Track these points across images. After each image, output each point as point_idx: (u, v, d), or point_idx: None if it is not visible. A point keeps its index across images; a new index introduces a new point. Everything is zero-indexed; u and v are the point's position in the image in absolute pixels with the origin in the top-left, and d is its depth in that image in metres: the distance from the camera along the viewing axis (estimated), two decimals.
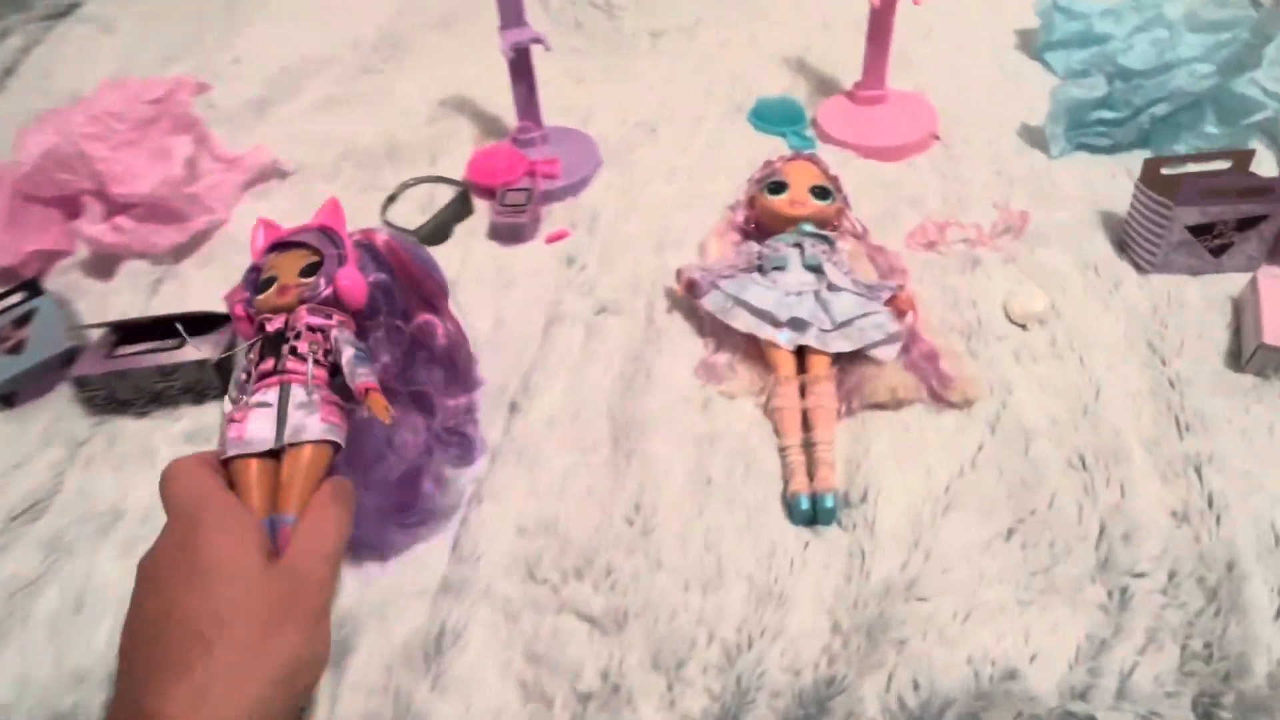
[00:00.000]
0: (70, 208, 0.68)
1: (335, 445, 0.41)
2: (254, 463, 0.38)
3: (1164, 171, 0.59)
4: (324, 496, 0.38)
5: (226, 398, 0.42)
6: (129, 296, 0.65)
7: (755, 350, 0.55)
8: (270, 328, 0.43)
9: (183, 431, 0.56)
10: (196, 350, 0.56)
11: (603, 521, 0.47)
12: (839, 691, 0.40)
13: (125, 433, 0.56)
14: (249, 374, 0.42)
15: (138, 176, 0.64)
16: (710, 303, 0.56)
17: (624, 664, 0.41)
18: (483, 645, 0.43)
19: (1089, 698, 0.39)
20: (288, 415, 0.40)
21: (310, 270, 0.45)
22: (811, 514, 0.47)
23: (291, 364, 0.41)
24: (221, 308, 0.62)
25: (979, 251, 0.63)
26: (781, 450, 0.50)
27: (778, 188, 0.60)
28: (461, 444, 0.51)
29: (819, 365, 0.52)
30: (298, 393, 0.41)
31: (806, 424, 0.51)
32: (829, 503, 0.46)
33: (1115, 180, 0.70)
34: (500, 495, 0.49)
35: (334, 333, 0.43)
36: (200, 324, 0.58)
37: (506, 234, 0.66)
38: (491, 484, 0.50)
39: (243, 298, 0.46)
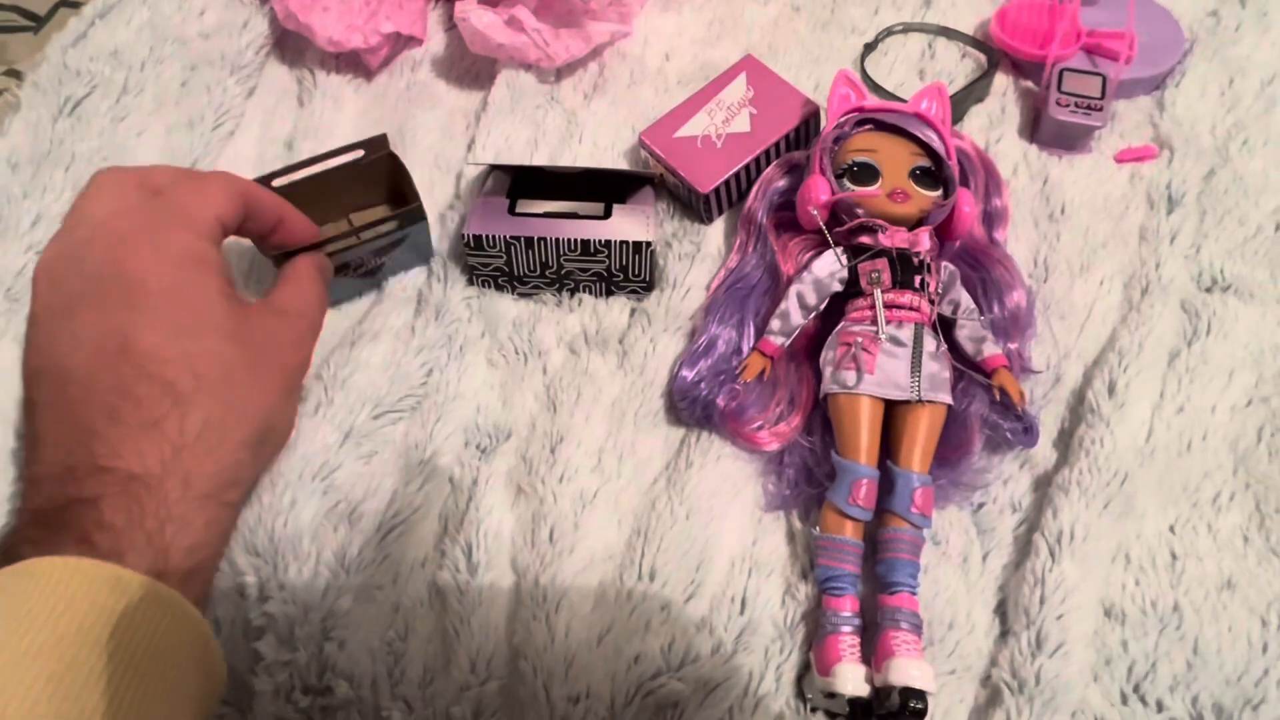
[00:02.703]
0: None
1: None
2: (870, 403, 0.34)
3: None
4: (310, 268, 0.36)
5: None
6: (504, 122, 0.47)
7: None
8: (886, 241, 0.36)
9: (580, 328, 0.41)
10: (632, 226, 0.39)
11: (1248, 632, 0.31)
12: None
13: (504, 317, 0.41)
14: (853, 289, 0.36)
15: None
16: None
17: None
18: None
19: None
20: (923, 363, 0.34)
21: (925, 178, 0.37)
22: None
23: (914, 298, 0.35)
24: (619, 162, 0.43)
25: None
26: None
27: None
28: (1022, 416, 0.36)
29: None
30: (928, 339, 0.35)
31: None
32: None
33: None
34: (1085, 551, 0.33)
35: (947, 269, 0.37)
36: (605, 184, 0.40)
37: (1062, 137, 0.44)
38: (1071, 530, 0.33)
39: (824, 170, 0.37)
